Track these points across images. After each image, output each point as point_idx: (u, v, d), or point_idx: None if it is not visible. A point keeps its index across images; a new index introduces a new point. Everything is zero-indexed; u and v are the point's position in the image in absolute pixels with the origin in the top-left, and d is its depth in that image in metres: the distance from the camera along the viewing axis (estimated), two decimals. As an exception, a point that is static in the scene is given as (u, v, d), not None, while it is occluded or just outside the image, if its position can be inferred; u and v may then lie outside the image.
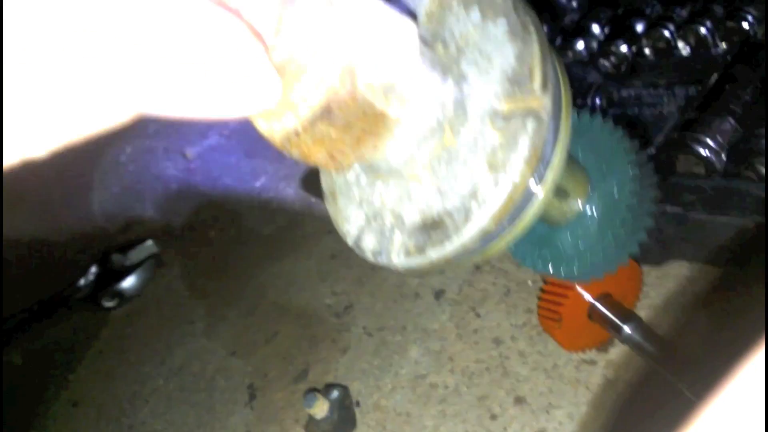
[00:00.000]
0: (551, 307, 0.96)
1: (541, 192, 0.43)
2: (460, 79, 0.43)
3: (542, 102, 0.40)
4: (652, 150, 1.02)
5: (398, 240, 0.45)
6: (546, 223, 0.66)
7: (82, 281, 1.72)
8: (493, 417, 1.00)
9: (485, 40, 0.42)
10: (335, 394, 1.08)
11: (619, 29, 1.28)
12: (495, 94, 0.41)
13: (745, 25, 1.07)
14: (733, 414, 0.22)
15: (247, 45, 0.28)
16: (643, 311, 0.98)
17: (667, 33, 1.21)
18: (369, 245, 0.47)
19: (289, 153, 0.39)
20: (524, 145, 0.40)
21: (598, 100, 1.19)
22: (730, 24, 1.10)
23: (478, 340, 1.10)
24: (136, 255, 1.68)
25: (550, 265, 0.67)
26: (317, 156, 0.39)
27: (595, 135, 0.66)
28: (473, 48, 0.43)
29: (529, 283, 1.13)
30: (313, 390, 1.08)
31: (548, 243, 0.67)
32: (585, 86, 1.21)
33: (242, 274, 1.47)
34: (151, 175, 1.86)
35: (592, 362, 0.98)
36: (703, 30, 1.15)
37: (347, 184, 0.49)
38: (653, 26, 1.22)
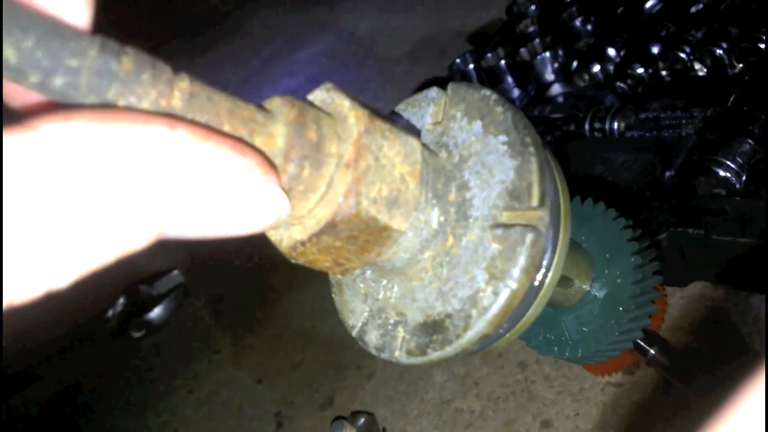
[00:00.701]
0: (575, 330, 0.97)
1: (539, 295, 0.46)
2: (462, 186, 0.44)
3: (540, 215, 0.42)
4: (671, 172, 1.03)
5: (401, 338, 0.46)
6: (551, 306, 0.67)
7: (110, 312, 1.75)
8: (521, 442, 1.00)
9: (487, 152, 0.44)
10: (362, 421, 1.09)
11: (635, 52, 1.29)
12: (495, 205, 0.43)
13: (762, 45, 1.08)
14: None
15: (257, 173, 0.30)
16: (668, 333, 0.97)
17: (683, 55, 1.22)
18: (372, 340, 0.48)
19: (296, 260, 0.40)
20: (523, 257, 0.41)
21: (616, 124, 1.20)
22: (745, 45, 1.11)
23: (503, 365, 1.10)
24: (162, 285, 1.71)
25: (555, 348, 0.69)
26: (323, 263, 0.41)
27: (598, 222, 0.69)
28: (475, 158, 0.45)
29: (553, 306, 1.13)
30: (340, 418, 1.08)
31: (553, 326, 0.69)
32: (602, 110, 1.22)
33: (267, 302, 1.49)
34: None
35: (619, 385, 0.98)
36: (719, 51, 1.16)
37: (353, 277, 0.51)
38: (669, 48, 1.23)
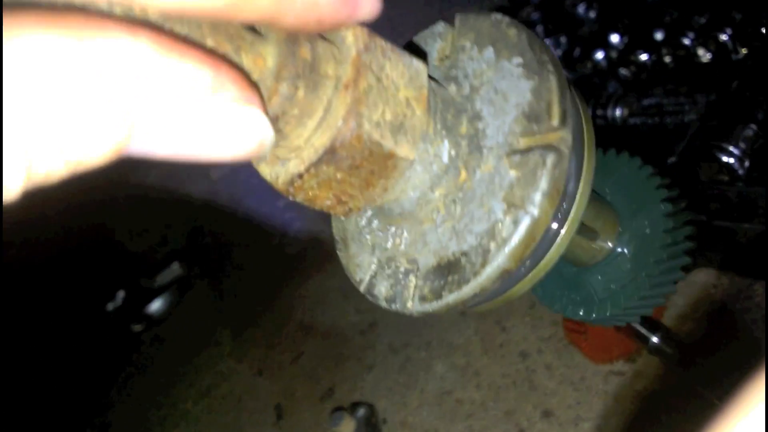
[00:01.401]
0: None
1: (564, 229, 0.42)
2: (475, 117, 0.41)
3: (562, 136, 0.38)
4: (674, 158, 1.01)
5: (413, 285, 0.43)
6: (574, 264, 0.63)
7: (110, 306, 1.75)
8: (521, 431, 0.99)
9: (500, 77, 0.41)
10: (361, 412, 1.08)
11: (639, 38, 1.27)
12: (512, 131, 0.40)
13: (765, 30, 1.06)
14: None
15: (232, 89, 0.27)
16: (669, 320, 0.96)
17: (686, 41, 1.20)
18: (382, 292, 0.45)
19: (294, 197, 0.37)
20: (544, 180, 0.38)
21: (618, 111, 1.18)
22: (750, 29, 1.09)
23: (504, 354, 1.09)
24: (163, 278, 1.70)
25: (581, 310, 0.63)
26: (323, 200, 0.38)
27: (622, 172, 0.64)
28: (488, 86, 0.42)
29: (554, 295, 1.12)
30: (340, 409, 1.07)
31: (577, 285, 0.64)
32: (604, 97, 1.20)
33: (267, 294, 1.48)
34: (176, 197, 1.89)
35: (620, 374, 0.97)
36: (723, 36, 1.14)
37: (359, 229, 0.48)
38: (673, 34, 1.21)
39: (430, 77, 0.40)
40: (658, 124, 1.14)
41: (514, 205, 0.38)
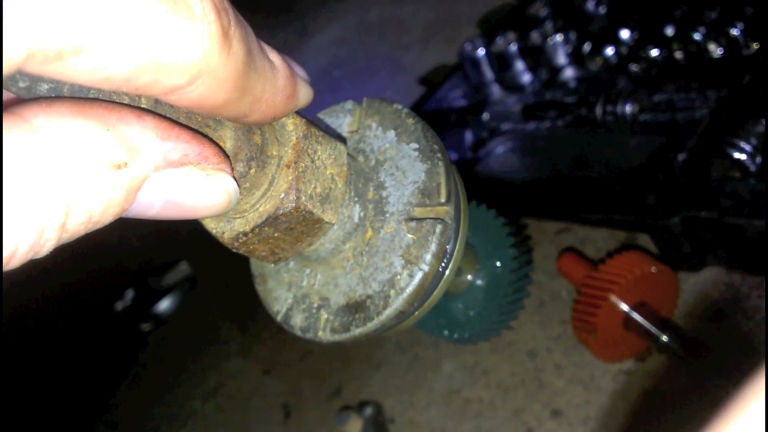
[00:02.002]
0: (585, 317, 0.94)
1: (444, 276, 0.52)
2: (379, 186, 0.51)
3: (447, 210, 0.49)
4: (684, 155, 1.00)
5: (324, 318, 0.51)
6: (443, 294, 0.76)
7: (119, 305, 1.75)
8: (530, 430, 0.98)
9: (400, 157, 0.51)
10: (368, 411, 1.07)
11: (649, 34, 1.26)
12: (409, 202, 0.49)
13: (778, 24, 1.04)
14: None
15: (214, 161, 0.33)
16: (681, 319, 0.95)
17: (697, 36, 1.19)
18: (297, 323, 0.53)
19: (237, 250, 0.44)
20: (434, 244, 0.48)
21: (629, 108, 1.17)
22: (761, 24, 1.07)
23: (512, 353, 1.08)
24: (171, 277, 1.70)
25: (445, 330, 0.78)
26: (260, 252, 0.45)
27: (482, 221, 0.79)
28: (390, 162, 0.51)
29: (563, 294, 1.11)
30: (347, 408, 1.07)
31: (444, 311, 0.78)
32: (614, 93, 1.19)
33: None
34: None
35: (630, 373, 0.96)
36: (734, 31, 1.13)
37: (277, 268, 0.56)
38: (683, 29, 1.19)
39: (347, 152, 0.49)
40: (669, 120, 1.12)
41: (410, 262, 0.48)
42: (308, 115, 0.48)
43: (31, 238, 0.26)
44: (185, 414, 1.39)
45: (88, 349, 1.70)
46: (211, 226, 0.44)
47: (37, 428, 1.59)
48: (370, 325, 0.49)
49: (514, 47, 1.46)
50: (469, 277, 0.77)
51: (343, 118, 0.55)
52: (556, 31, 1.40)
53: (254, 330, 1.44)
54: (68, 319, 1.81)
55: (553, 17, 1.46)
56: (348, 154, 0.49)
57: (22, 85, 0.27)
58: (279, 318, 0.55)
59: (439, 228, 0.48)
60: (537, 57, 1.43)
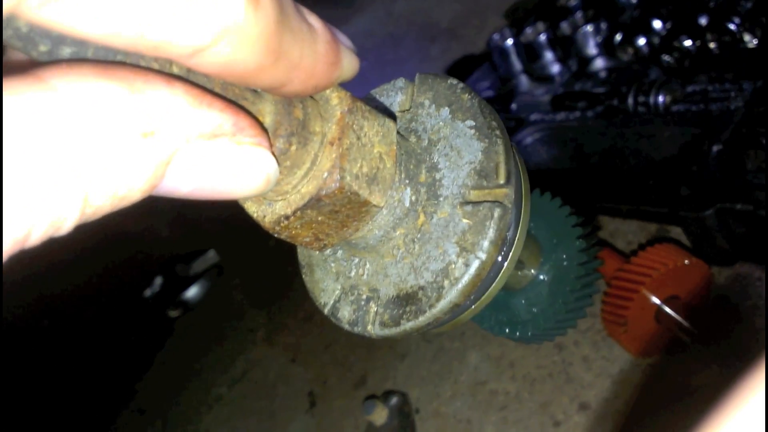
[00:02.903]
0: (616, 310, 0.93)
1: (504, 267, 0.49)
2: (432, 168, 0.48)
3: (506, 192, 0.45)
4: (719, 146, 0.98)
5: (373, 311, 0.48)
6: (503, 289, 0.70)
7: (148, 292, 1.77)
8: (557, 424, 0.97)
9: (455, 135, 0.48)
10: (394, 400, 1.07)
11: (682, 24, 1.23)
12: (465, 184, 0.46)
13: (817, 13, 1.02)
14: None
15: (250, 133, 0.31)
16: (714, 313, 0.93)
17: (732, 26, 1.16)
18: (345, 316, 0.50)
19: (279, 235, 0.42)
20: (492, 230, 0.44)
21: (661, 98, 1.15)
22: (799, 13, 1.05)
23: (539, 346, 1.07)
24: (199, 265, 1.72)
25: (507, 329, 0.73)
26: (303, 238, 0.43)
27: (546, 211, 0.74)
28: (444, 141, 0.48)
29: (592, 286, 1.09)
30: (372, 397, 1.07)
31: (504, 307, 0.73)
32: (647, 84, 1.17)
33: (300, 282, 1.47)
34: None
35: (661, 367, 0.95)
36: (770, 21, 1.10)
37: (324, 257, 0.53)
38: (717, 19, 1.17)
39: (397, 131, 0.46)
40: (703, 111, 1.10)
41: (465, 249, 0.45)
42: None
43: (49, 215, 0.24)
44: (211, 399, 1.40)
45: (117, 335, 1.73)
46: (252, 209, 0.42)
47: (67, 412, 1.62)
48: (422, 319, 0.45)
49: (543, 37, 1.45)
50: (533, 270, 0.72)
51: (394, 97, 0.52)
52: (587, 22, 1.38)
53: (280, 318, 1.45)
54: (99, 305, 1.83)
55: (584, 7, 1.44)
56: (398, 133, 0.46)
57: (42, 48, 0.26)
58: (326, 311, 0.52)
59: (497, 212, 0.44)
60: (567, 47, 1.41)
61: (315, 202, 0.39)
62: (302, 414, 1.24)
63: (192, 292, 1.67)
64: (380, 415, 1.04)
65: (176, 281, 1.71)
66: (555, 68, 1.45)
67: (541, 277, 0.72)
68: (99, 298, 1.86)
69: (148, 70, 0.28)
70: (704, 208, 0.96)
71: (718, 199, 0.95)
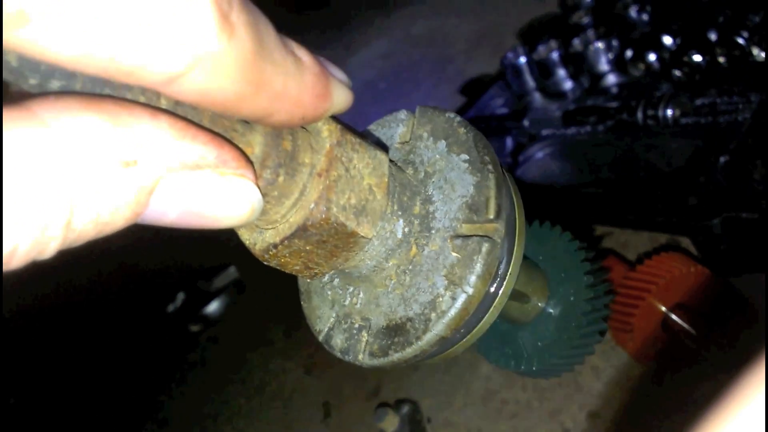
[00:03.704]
0: (622, 317, 0.94)
1: (495, 302, 0.48)
2: (426, 200, 0.48)
3: (496, 227, 0.45)
4: (726, 157, 0.99)
5: (364, 341, 0.48)
6: (509, 322, 0.71)
7: (170, 307, 1.81)
8: (566, 431, 0.98)
9: (450, 169, 0.48)
10: (405, 409, 1.08)
11: (692, 39, 1.25)
12: (456, 217, 0.46)
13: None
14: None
15: (233, 165, 0.31)
16: (722, 321, 0.94)
17: (741, 40, 1.18)
18: (338, 344, 0.50)
19: (268, 262, 0.43)
20: (479, 264, 0.44)
21: (669, 111, 1.17)
22: (806, 25, 1.06)
23: (550, 356, 1.08)
24: (220, 281, 1.75)
25: (512, 362, 0.71)
26: (293, 266, 0.43)
27: (554, 243, 0.72)
28: (439, 174, 0.48)
29: (602, 297, 1.10)
30: (384, 405, 1.08)
31: (510, 340, 0.72)
32: (655, 97, 1.19)
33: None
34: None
35: (669, 375, 0.95)
36: (779, 34, 1.12)
37: (321, 285, 0.54)
38: (726, 34, 1.19)
39: (391, 161, 0.47)
40: (711, 123, 1.12)
41: (453, 283, 0.45)
42: (358, 127, 0.47)
43: (33, 235, 0.25)
44: (230, 411, 1.43)
45: (140, 348, 1.77)
46: (245, 237, 0.43)
47: (90, 424, 1.65)
48: (409, 351, 0.46)
49: (555, 55, 1.47)
50: (540, 303, 0.70)
51: (395, 128, 0.53)
52: (598, 38, 1.40)
53: (297, 331, 1.48)
54: (122, 319, 1.87)
55: (595, 25, 1.46)
56: (394, 164, 0.47)
57: (32, 82, 0.27)
58: (321, 338, 0.53)
59: (485, 247, 0.45)
60: (579, 64, 1.44)
61: (302, 231, 0.40)
62: (317, 424, 1.26)
63: (213, 307, 1.71)
64: (391, 422, 1.05)
65: (198, 296, 1.75)
66: (567, 85, 1.47)
67: (549, 310, 0.71)
68: (123, 313, 1.90)
69: (135, 103, 0.29)
70: (711, 217, 0.97)
71: (725, 208, 0.96)
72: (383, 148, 0.48)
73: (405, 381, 1.20)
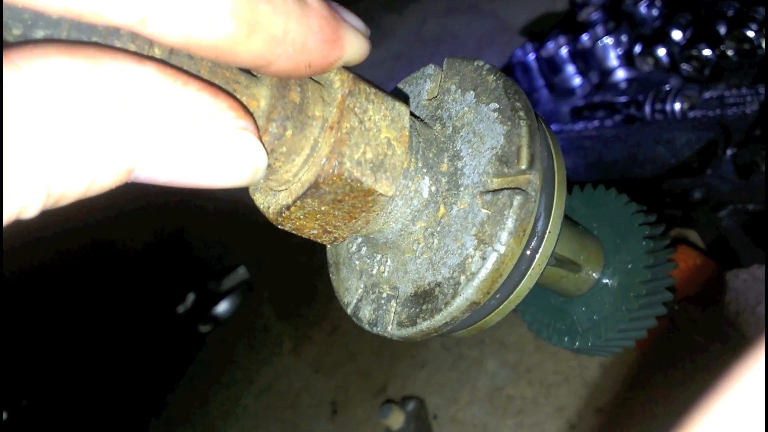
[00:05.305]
0: (628, 312, 0.93)
1: (534, 264, 0.44)
2: (455, 156, 0.44)
3: (530, 178, 0.41)
4: (733, 149, 0.98)
5: (393, 311, 0.45)
6: (561, 295, 0.65)
7: (181, 308, 1.81)
8: (572, 427, 0.97)
9: (479, 120, 0.44)
10: (411, 405, 1.08)
11: (701, 33, 1.24)
12: (486, 171, 0.42)
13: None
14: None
15: (230, 116, 0.29)
16: (731, 315, 0.92)
17: (750, 33, 1.16)
18: (366, 315, 0.47)
19: (283, 226, 0.40)
20: (510, 220, 0.40)
21: (678, 105, 1.15)
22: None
23: (556, 352, 1.07)
24: (229, 281, 1.76)
25: (565, 338, 0.66)
26: (310, 230, 0.40)
27: (610, 208, 0.66)
28: (468, 128, 0.45)
29: (610, 292, 1.09)
30: (389, 401, 1.08)
31: (563, 315, 0.66)
32: (663, 91, 1.18)
33: (326, 297, 1.50)
34: (245, 204, 1.94)
35: (677, 369, 0.94)
36: (788, 26, 1.10)
37: (349, 255, 0.50)
38: (735, 27, 1.17)
39: (416, 117, 0.44)
40: (719, 116, 1.10)
41: (483, 242, 0.41)
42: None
43: (20, 184, 0.23)
44: (239, 410, 1.43)
45: (150, 349, 1.77)
46: (259, 200, 0.40)
47: (100, 423, 1.66)
48: (439, 318, 0.42)
49: (564, 51, 1.46)
50: (594, 274, 0.63)
51: (423, 85, 0.49)
52: (607, 34, 1.39)
53: (306, 330, 1.48)
54: (134, 322, 1.88)
55: (604, 20, 1.45)
56: (419, 120, 0.44)
57: (16, 32, 0.26)
58: (349, 310, 0.49)
59: (517, 200, 0.40)
60: (587, 60, 1.43)
61: (314, 190, 0.37)
62: (324, 422, 1.26)
63: (222, 307, 1.71)
64: (397, 419, 1.05)
65: (208, 297, 1.76)
66: (576, 81, 1.46)
67: (605, 281, 0.64)
68: (134, 315, 1.91)
69: (120, 50, 0.27)
70: (717, 209, 0.96)
71: (732, 200, 0.95)
72: (404, 99, 0.44)
73: (412, 379, 1.20)
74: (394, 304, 0.45)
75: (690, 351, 0.94)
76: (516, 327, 1.14)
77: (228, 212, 2.01)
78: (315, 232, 0.41)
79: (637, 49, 1.34)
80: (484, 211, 0.41)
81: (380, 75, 2.44)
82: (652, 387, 0.95)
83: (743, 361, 0.25)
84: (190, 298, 1.81)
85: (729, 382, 0.25)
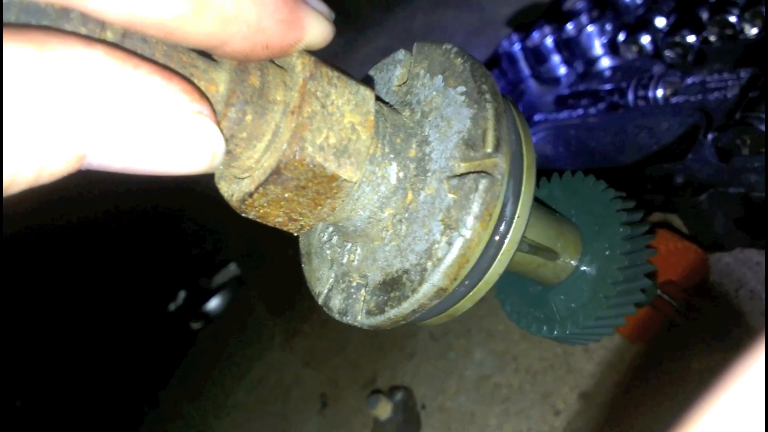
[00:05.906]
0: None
1: (502, 250, 0.44)
2: (423, 141, 0.44)
3: (496, 162, 0.41)
4: (714, 133, 0.98)
5: (362, 299, 0.45)
6: (540, 283, 0.65)
7: (172, 306, 1.82)
8: (557, 413, 0.97)
9: (446, 104, 0.44)
10: (399, 396, 1.08)
11: (684, 19, 1.24)
12: (453, 156, 0.42)
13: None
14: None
15: (184, 99, 0.28)
16: (714, 297, 0.93)
17: (732, 18, 1.16)
18: (336, 305, 0.47)
19: (246, 214, 0.39)
20: (476, 204, 0.40)
21: (660, 91, 1.16)
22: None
23: (542, 340, 1.07)
24: (220, 278, 1.76)
25: (544, 327, 0.65)
26: (274, 217, 0.40)
27: (587, 194, 0.66)
28: (436, 112, 0.44)
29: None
30: (377, 392, 1.08)
31: (542, 303, 0.66)
32: (646, 78, 1.18)
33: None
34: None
35: (660, 354, 0.94)
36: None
37: (321, 244, 0.50)
38: (717, 12, 1.17)
39: (384, 102, 0.43)
40: (701, 101, 1.10)
41: (449, 227, 0.40)
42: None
43: None
44: (230, 405, 1.43)
45: (143, 347, 1.78)
46: (223, 189, 0.40)
47: (94, 417, 1.67)
48: (406, 305, 0.42)
49: (550, 41, 1.46)
50: (572, 261, 0.63)
51: (393, 71, 0.48)
52: (591, 22, 1.40)
53: (296, 324, 1.48)
54: (125, 319, 1.88)
55: (589, 9, 1.45)
56: (387, 105, 0.43)
57: None
58: (320, 300, 0.48)
59: (482, 184, 0.40)
60: (572, 49, 1.43)
61: (276, 176, 0.36)
62: (314, 415, 1.26)
63: (213, 303, 1.71)
64: (384, 409, 1.05)
65: (199, 294, 1.76)
66: (561, 70, 1.46)
67: (583, 268, 0.64)
68: (126, 313, 1.91)
69: (70, 33, 0.26)
70: (699, 193, 0.96)
71: (712, 184, 0.95)
72: (369, 84, 0.44)
73: (400, 369, 1.20)
74: (364, 293, 0.45)
75: (674, 335, 0.94)
76: (503, 316, 1.14)
77: (217, 207, 2.01)
78: (280, 220, 0.40)
79: (621, 37, 1.34)
80: (450, 195, 0.41)
81: (367, 70, 2.43)
82: (636, 371, 0.95)
83: (743, 360, 0.24)
84: (182, 295, 1.81)
85: (728, 380, 0.24)
